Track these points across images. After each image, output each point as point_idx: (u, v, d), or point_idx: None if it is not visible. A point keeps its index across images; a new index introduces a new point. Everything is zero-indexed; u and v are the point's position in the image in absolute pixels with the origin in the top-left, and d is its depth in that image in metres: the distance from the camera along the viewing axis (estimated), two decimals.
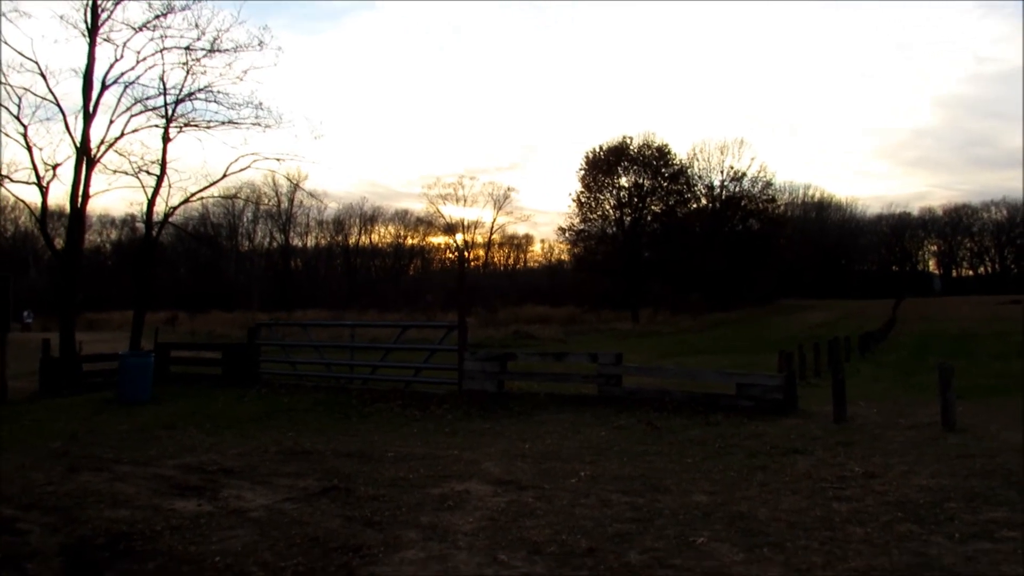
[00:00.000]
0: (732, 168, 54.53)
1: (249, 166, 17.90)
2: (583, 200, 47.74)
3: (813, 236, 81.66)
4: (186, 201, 17.47)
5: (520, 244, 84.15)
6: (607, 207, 47.62)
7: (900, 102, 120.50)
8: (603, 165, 46.85)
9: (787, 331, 38.48)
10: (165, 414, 10.98)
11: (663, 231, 47.67)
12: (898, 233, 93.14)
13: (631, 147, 46.41)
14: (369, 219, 77.79)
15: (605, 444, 8.31)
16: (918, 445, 7.36)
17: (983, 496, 5.25)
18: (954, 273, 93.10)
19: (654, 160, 46.98)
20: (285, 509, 5.99)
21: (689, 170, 50.40)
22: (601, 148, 47.07)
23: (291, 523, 5.60)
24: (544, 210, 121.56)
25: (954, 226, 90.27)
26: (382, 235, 79.72)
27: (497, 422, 10.05)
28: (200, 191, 17.56)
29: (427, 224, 79.40)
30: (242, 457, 8.11)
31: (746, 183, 55.58)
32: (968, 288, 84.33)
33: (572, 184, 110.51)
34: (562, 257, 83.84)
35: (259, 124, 17.55)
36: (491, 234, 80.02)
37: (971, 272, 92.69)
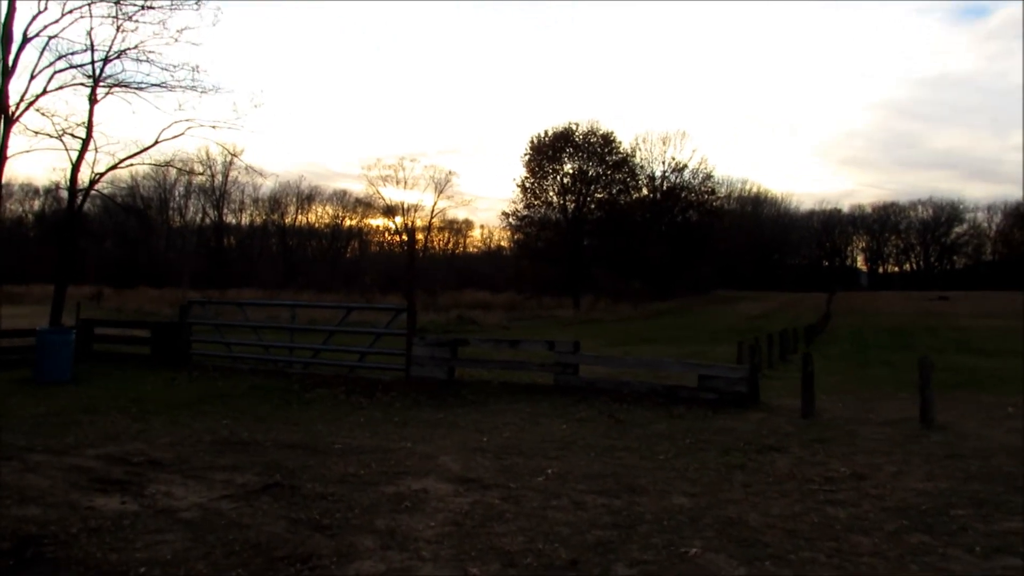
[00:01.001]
0: (674, 159, 54.99)
1: (183, 133, 16.79)
2: (527, 185, 47.34)
3: (749, 229, 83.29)
4: (114, 167, 16.34)
5: (460, 229, 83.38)
6: (551, 193, 47.32)
7: (833, 103, 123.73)
8: (548, 150, 46.41)
9: (727, 321, 38.92)
10: (86, 396, 10.08)
11: (606, 219, 47.61)
12: (828, 229, 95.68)
13: (576, 133, 46.16)
14: (306, 198, 75.80)
15: (568, 438, 7.86)
16: (900, 444, 7.12)
17: (992, 503, 4.97)
18: (880, 269, 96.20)
19: (599, 147, 46.83)
20: (222, 509, 5.36)
21: (632, 159, 50.55)
22: (546, 133, 46.79)
23: (229, 526, 4.98)
24: (485, 196, 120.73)
25: (882, 223, 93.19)
26: (319, 215, 77.88)
27: (450, 412, 9.50)
28: (129, 157, 16.41)
29: (366, 206, 77.93)
30: (172, 447, 7.38)
31: (687, 175, 56.15)
32: (892, 284, 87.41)
33: (513, 171, 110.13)
34: (501, 243, 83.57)
35: (195, 89, 16.47)
36: (431, 218, 78.99)
37: (896, 268, 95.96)
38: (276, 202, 74.63)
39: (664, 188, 55.86)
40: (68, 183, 16.10)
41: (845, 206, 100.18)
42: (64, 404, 9.50)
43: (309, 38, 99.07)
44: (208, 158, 65.74)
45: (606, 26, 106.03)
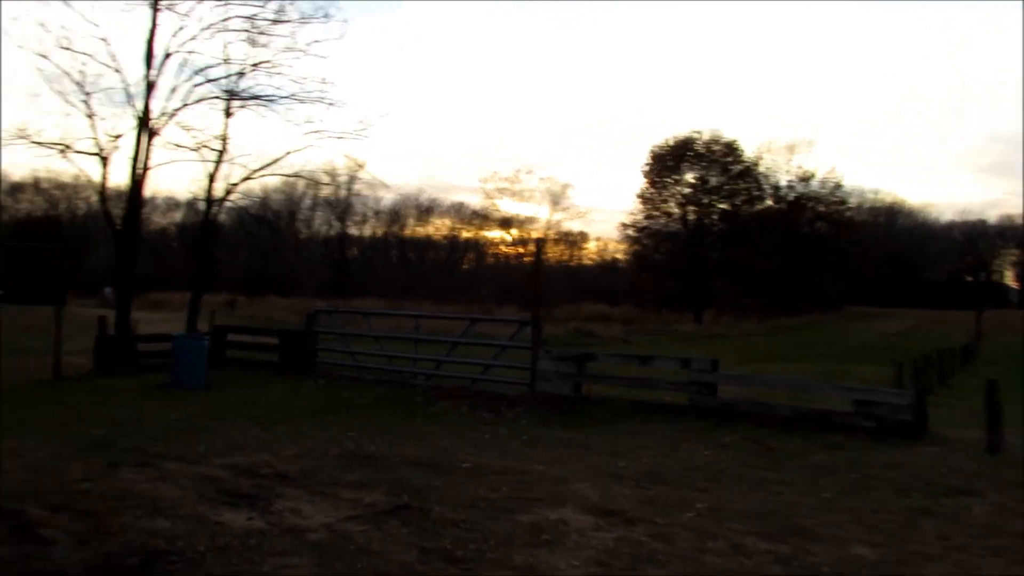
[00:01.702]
0: (800, 168, 52.42)
1: (312, 145, 17.15)
2: (647, 196, 46.22)
3: (881, 241, 78.37)
4: (247, 178, 16.88)
5: (574, 241, 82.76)
6: (671, 204, 45.97)
7: (975, 106, 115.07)
8: (668, 160, 45.16)
9: (861, 339, 36.51)
10: (218, 403, 10.19)
11: (728, 230, 45.81)
12: (972, 241, 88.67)
13: (698, 142, 44.66)
14: (426, 210, 77.29)
15: (714, 466, 7.16)
16: None
17: None
18: None
19: (721, 156, 45.16)
20: (350, 532, 5.03)
21: (756, 168, 48.39)
22: (667, 142, 45.52)
23: (358, 552, 4.64)
24: (599, 208, 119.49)
25: None
26: (437, 227, 79.18)
27: (579, 431, 8.96)
28: (261, 168, 16.91)
29: (483, 218, 78.71)
30: (298, 460, 7.20)
31: (814, 184, 53.36)
32: None
33: (629, 183, 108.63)
34: (616, 256, 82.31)
35: (323, 101, 16.73)
36: (547, 229, 78.93)
37: None
38: (396, 214, 76.51)
39: (790, 198, 53.38)
40: (204, 194, 16.75)
41: (991, 216, 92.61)
42: (196, 410, 9.60)
43: (425, 52, 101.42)
44: (333, 171, 68.39)
45: (728, 31, 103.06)
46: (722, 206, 45.83)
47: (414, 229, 78.58)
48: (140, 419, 8.81)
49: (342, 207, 73.53)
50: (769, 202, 52.33)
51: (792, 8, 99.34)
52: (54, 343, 13.42)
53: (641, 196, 46.08)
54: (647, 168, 45.86)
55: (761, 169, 49.82)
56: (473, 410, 10.44)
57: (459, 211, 79.03)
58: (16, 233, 49.95)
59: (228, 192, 16.94)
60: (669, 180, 45.39)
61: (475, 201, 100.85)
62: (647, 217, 46.34)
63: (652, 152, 45.48)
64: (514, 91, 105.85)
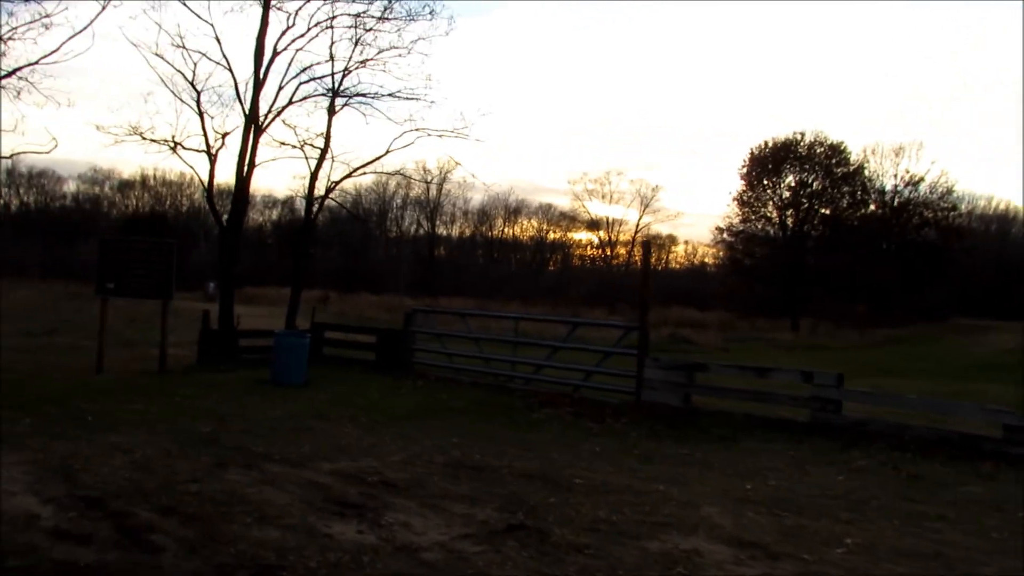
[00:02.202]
0: (908, 172, 49.61)
1: (413, 142, 17.05)
2: (744, 199, 44.56)
3: (994, 250, 73.60)
4: (349, 176, 16.91)
5: (663, 244, 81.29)
6: (770, 207, 44.19)
7: None
8: (768, 162, 43.45)
9: (978, 354, 34.04)
10: (319, 401, 10.07)
11: (830, 236, 43.70)
12: None
13: (800, 144, 42.75)
14: (514, 211, 77.41)
15: (853, 494, 6.48)
16: None
17: None
18: None
19: (824, 159, 43.12)
20: (466, 552, 4.67)
21: (862, 172, 45.99)
22: (767, 144, 43.72)
23: None
24: (688, 211, 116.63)
25: None
26: (524, 228, 79.19)
27: (695, 447, 8.38)
28: (362, 166, 16.92)
29: (570, 219, 78.26)
30: (405, 466, 6.91)
31: (923, 189, 50.41)
32: None
33: (718, 185, 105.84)
34: (705, 260, 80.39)
35: (426, 99, 16.60)
36: (636, 232, 77.79)
37: None
38: (484, 214, 76.94)
39: (895, 203, 50.61)
40: (306, 191, 16.88)
41: None
42: (298, 408, 9.49)
43: (516, 52, 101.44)
44: (424, 172, 69.44)
45: (828, 31, 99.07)
46: (824, 211, 43.73)
47: (502, 230, 78.91)
48: (244, 416, 8.73)
49: (432, 206, 74.47)
50: (873, 207, 49.77)
51: (898, 6, 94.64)
52: (160, 336, 13.69)
53: (738, 199, 44.52)
54: (745, 170, 44.31)
55: (865, 173, 47.44)
56: (577, 418, 9.99)
57: (547, 212, 78.99)
58: (124, 228, 52.46)
59: (329, 190, 17.06)
60: (768, 183, 43.63)
61: (563, 203, 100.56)
62: (744, 220, 44.74)
63: (751, 153, 43.94)
64: (606, 93, 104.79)
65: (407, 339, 13.68)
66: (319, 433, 8.13)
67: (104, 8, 12.38)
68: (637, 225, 75.03)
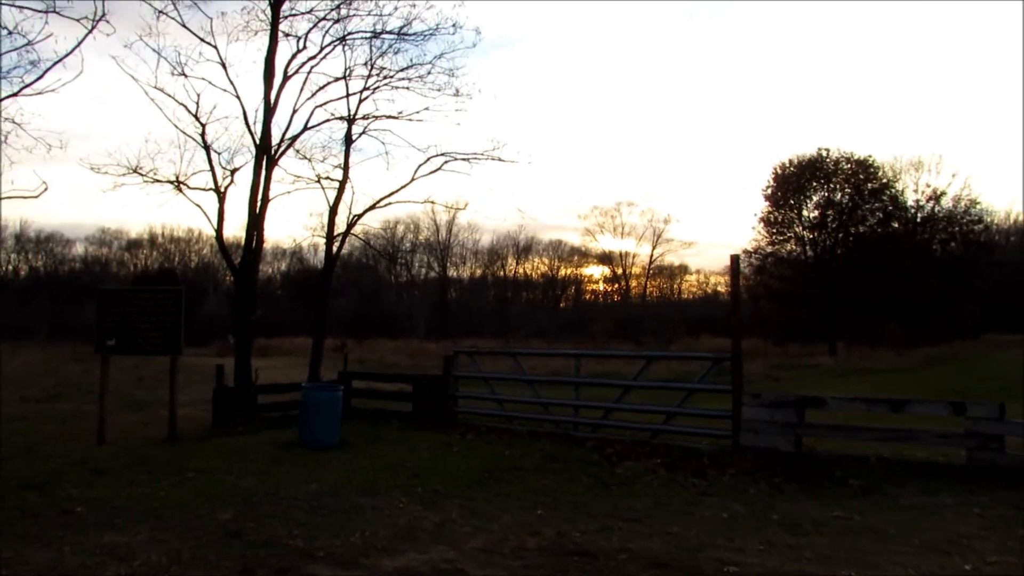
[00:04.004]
0: (929, 186, 47.98)
1: (439, 168, 15.52)
2: (771, 220, 42.78)
3: (1018, 263, 71.60)
4: (372, 208, 15.36)
5: (675, 273, 79.66)
6: (797, 228, 42.41)
7: None
8: (793, 180, 41.83)
9: None
10: (360, 468, 8.36)
11: (861, 254, 41.87)
12: None
13: (827, 160, 41.12)
14: (524, 250, 76.24)
15: None
16: None
17: None
18: None
19: (852, 175, 41.47)
20: None
21: (893, 186, 44.24)
22: (791, 162, 41.98)
23: None
24: (696, 239, 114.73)
25: None
26: (535, 265, 78.05)
27: (844, 506, 6.63)
28: (386, 196, 15.37)
29: (581, 254, 77.04)
30: (491, 557, 5.20)
31: (945, 202, 48.72)
32: None
33: (729, 212, 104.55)
34: (718, 288, 78.77)
35: (460, 109, 15.06)
36: (650, 263, 76.33)
37: None
38: (495, 253, 75.76)
39: (918, 219, 48.88)
40: (324, 228, 15.40)
41: None
42: (337, 478, 7.79)
43: (516, 93, 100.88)
44: (433, 214, 68.45)
45: (834, 46, 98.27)
46: (856, 229, 41.93)
47: (513, 269, 77.83)
48: (273, 493, 7.03)
49: (442, 249, 73.49)
50: (896, 224, 48.03)
51: (908, 12, 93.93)
52: (169, 398, 12.05)
53: (764, 219, 42.76)
54: (769, 190, 42.61)
55: (895, 188, 45.73)
56: (671, 473, 8.25)
57: (556, 249, 77.96)
58: (133, 285, 51.23)
59: (351, 225, 15.50)
60: (794, 202, 41.89)
61: (573, 239, 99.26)
62: (771, 243, 42.97)
63: (774, 173, 42.14)
64: (611, 126, 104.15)
65: (449, 385, 12.00)
66: (370, 513, 6.42)
67: (92, 30, 10.93)
68: (651, 255, 73.62)
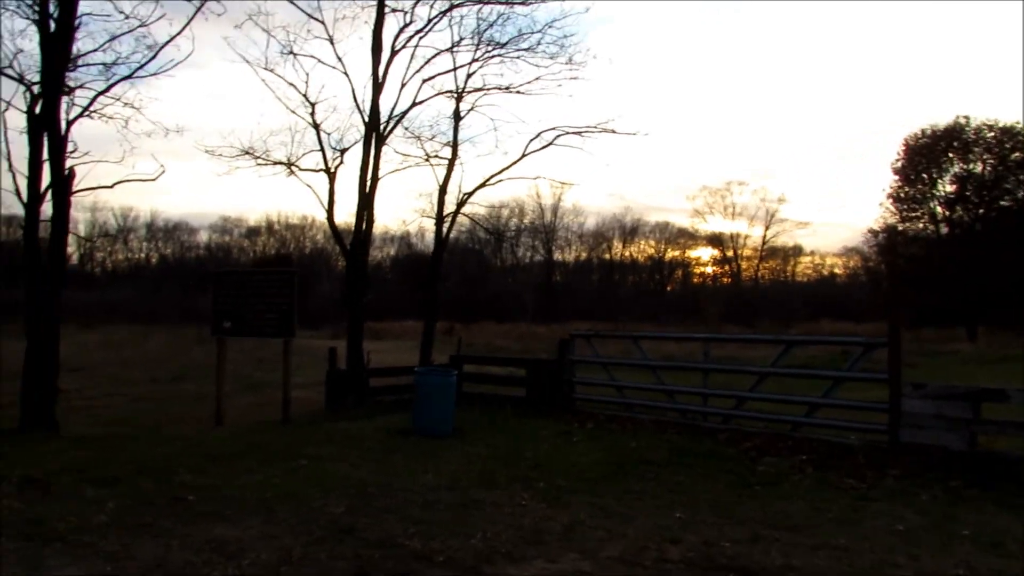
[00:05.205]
0: None
1: (551, 143, 14.84)
2: (901, 195, 39.52)
3: None
4: (482, 185, 14.88)
5: (788, 255, 75.94)
6: (933, 204, 39.03)
7: None
8: (927, 152, 38.45)
9: None
10: (477, 457, 7.86)
11: (1005, 231, 38.13)
12: None
13: (966, 129, 37.59)
14: (630, 232, 74.64)
15: None
16: None
17: None
18: None
19: (997, 144, 37.70)
20: None
21: None
22: (924, 132, 38.66)
23: None
24: (811, 219, 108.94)
25: None
26: (641, 248, 76.36)
27: None
28: (497, 174, 14.89)
29: (689, 236, 74.90)
30: (631, 571, 4.55)
31: None
32: None
33: (847, 190, 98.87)
34: (835, 271, 74.77)
35: (575, 76, 14.31)
36: (763, 242, 73.31)
37: None
38: (600, 236, 74.59)
39: None
40: (434, 209, 15.03)
41: None
42: (453, 470, 7.30)
43: (630, 67, 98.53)
44: (538, 197, 68.01)
45: (953, 18, 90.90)
46: (1005, 202, 38.18)
47: (618, 251, 76.50)
48: (387, 485, 6.60)
49: (547, 232, 73.02)
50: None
51: None
52: (283, 381, 11.99)
53: (894, 196, 39.54)
54: (900, 163, 39.32)
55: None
56: (821, 472, 7.33)
57: (664, 231, 76.05)
58: None
59: (462, 203, 15.07)
60: (928, 176, 38.55)
61: (681, 220, 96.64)
62: (902, 220, 39.78)
63: (905, 144, 38.80)
64: (719, 101, 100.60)
65: (565, 370, 11.37)
66: (490, 509, 5.87)
67: (200, 8, 10.88)
68: (764, 237, 70.67)
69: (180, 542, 4.91)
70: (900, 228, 40.11)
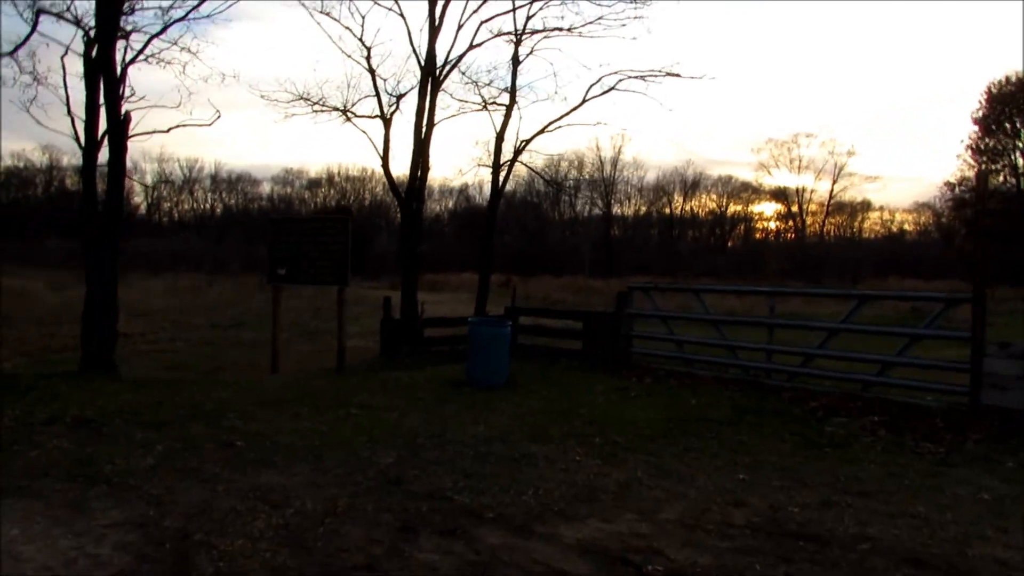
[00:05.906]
0: None
1: (612, 88, 14.27)
2: (982, 147, 37.36)
3: None
4: (541, 132, 14.49)
5: (856, 210, 73.04)
6: (1014, 155, 36.84)
7: None
8: (1012, 100, 36.14)
9: None
10: (529, 412, 7.65)
11: None
12: None
13: None
14: (691, 186, 72.80)
15: None
16: None
17: None
18: None
19: None
20: None
21: None
22: (1007, 80, 36.28)
23: None
24: (879, 174, 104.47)
25: None
26: (703, 202, 74.48)
27: None
28: (556, 120, 14.46)
29: (752, 191, 72.80)
30: (692, 535, 4.26)
31: None
32: None
33: (923, 142, 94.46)
34: (904, 227, 71.82)
35: (639, 15, 13.70)
36: (830, 197, 70.82)
37: None
38: (661, 190, 73.03)
39: None
40: (492, 154, 14.67)
41: None
42: (506, 421, 7.12)
43: (694, 17, 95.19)
44: (598, 149, 66.84)
45: None
46: None
47: (679, 204, 74.81)
48: (439, 436, 6.45)
49: (606, 186, 71.83)
50: None
51: None
52: (338, 329, 11.97)
53: (972, 147, 37.43)
54: (980, 113, 37.11)
55: None
56: (895, 435, 6.90)
57: (726, 184, 74.01)
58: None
59: (519, 151, 14.69)
60: (1010, 126, 36.32)
61: (744, 174, 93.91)
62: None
63: (987, 92, 36.48)
64: (786, 52, 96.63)
65: (623, 324, 11.04)
66: (542, 464, 5.66)
67: None
68: (831, 192, 68.13)
69: (225, 487, 4.84)
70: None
